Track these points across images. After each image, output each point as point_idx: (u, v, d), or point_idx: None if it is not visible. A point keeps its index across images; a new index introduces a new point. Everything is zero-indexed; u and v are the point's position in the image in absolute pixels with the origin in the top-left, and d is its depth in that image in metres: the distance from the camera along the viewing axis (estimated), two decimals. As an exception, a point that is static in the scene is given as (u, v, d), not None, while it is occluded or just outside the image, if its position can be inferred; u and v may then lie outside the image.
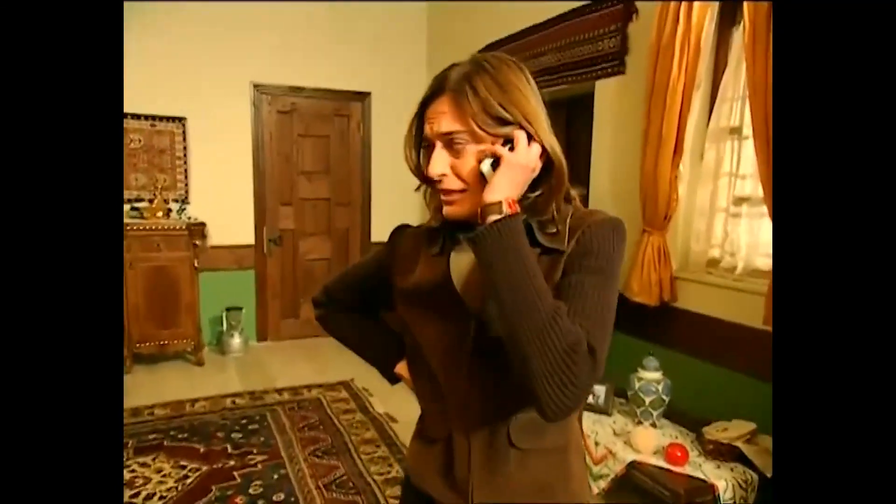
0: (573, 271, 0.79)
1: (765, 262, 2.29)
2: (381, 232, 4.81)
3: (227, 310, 4.45)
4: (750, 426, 2.03)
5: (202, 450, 2.91)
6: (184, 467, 2.73)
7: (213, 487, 2.55)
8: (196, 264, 4.10)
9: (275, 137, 4.65)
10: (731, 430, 2.02)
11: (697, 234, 2.57)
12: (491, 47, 3.84)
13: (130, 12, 3.91)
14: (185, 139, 4.32)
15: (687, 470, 1.93)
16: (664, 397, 2.20)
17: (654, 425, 2.21)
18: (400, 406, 3.32)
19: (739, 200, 2.41)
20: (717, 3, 2.37)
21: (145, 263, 3.95)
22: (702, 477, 1.90)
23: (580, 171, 3.14)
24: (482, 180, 0.80)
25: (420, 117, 0.86)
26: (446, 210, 0.85)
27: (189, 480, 2.61)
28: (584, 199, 2.94)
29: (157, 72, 4.14)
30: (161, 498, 2.46)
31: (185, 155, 4.33)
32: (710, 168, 2.51)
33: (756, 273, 2.31)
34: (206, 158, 4.38)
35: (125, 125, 4.14)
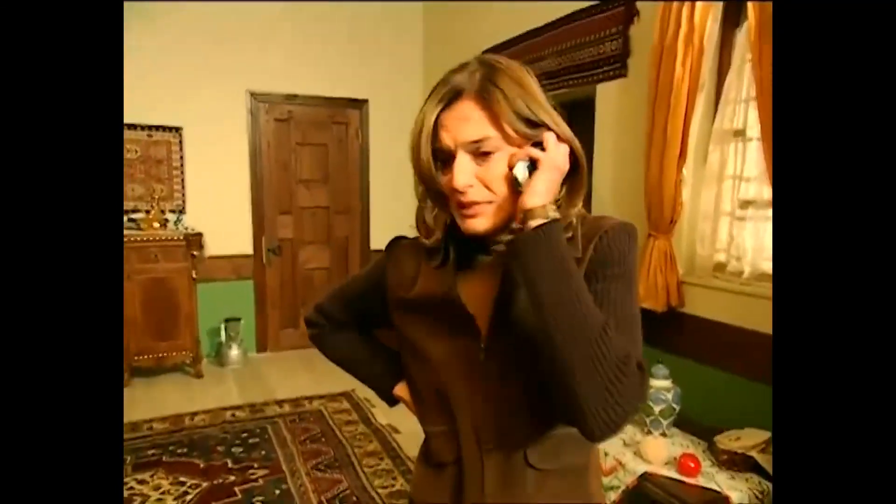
0: (597, 280, 0.75)
1: (771, 265, 2.24)
2: (380, 240, 4.75)
3: (226, 321, 4.40)
4: (764, 435, 1.98)
5: (202, 465, 2.85)
6: (183, 483, 2.67)
7: (214, 504, 2.50)
8: (194, 275, 4.05)
9: (272, 146, 4.61)
10: (745, 439, 1.97)
11: (703, 238, 2.53)
12: (489, 52, 3.79)
13: (128, 23, 3.88)
14: (181, 149, 4.28)
15: (700, 481, 1.87)
16: (674, 406, 2.15)
17: (664, 435, 2.16)
18: (403, 417, 3.22)
19: (745, 204, 2.37)
20: (720, 3, 2.33)
21: (142, 275, 3.90)
22: (716, 488, 1.84)
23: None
24: (514, 187, 0.76)
25: (430, 127, 0.78)
26: (468, 224, 0.78)
27: (189, 497, 2.56)
28: (587, 205, 2.91)
29: (152, 82, 4.10)
30: (160, 516, 2.41)
31: (181, 165, 4.29)
32: (715, 171, 2.47)
33: (763, 277, 2.26)
34: (203, 168, 4.34)
35: (121, 136, 4.10)
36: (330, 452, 3.01)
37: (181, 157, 4.28)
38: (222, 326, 4.40)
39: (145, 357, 3.98)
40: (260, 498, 2.56)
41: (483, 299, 0.81)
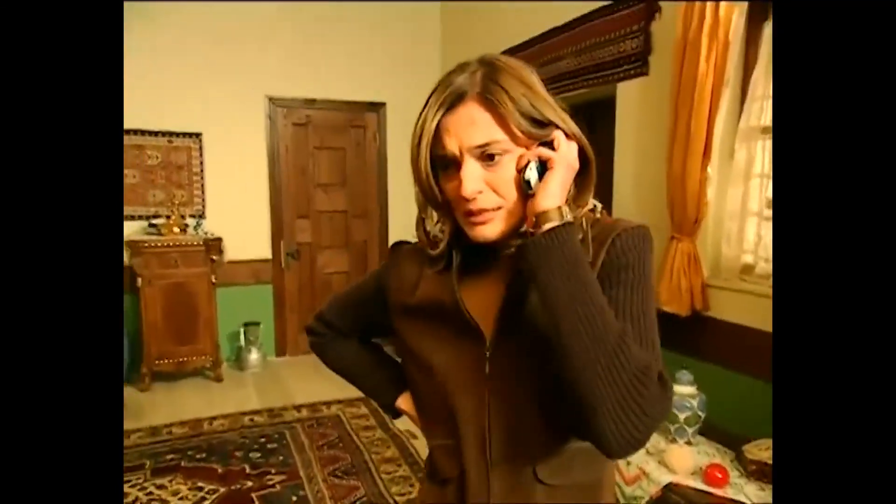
0: (611, 286, 0.70)
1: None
2: (399, 243, 4.74)
3: (245, 325, 4.41)
4: (795, 444, 1.89)
5: (220, 470, 2.84)
6: (201, 489, 2.66)
7: (231, 510, 2.49)
8: (213, 279, 4.06)
9: (291, 150, 4.62)
10: (775, 449, 1.89)
11: (729, 238, 2.45)
12: (508, 53, 3.75)
13: (145, 29, 3.93)
14: (201, 154, 4.31)
15: (728, 492, 1.80)
16: (700, 413, 2.07)
17: (689, 443, 2.09)
18: (421, 422, 3.22)
19: (772, 203, 2.29)
20: (745, 3, 2.26)
21: (163, 280, 3.93)
22: (745, 500, 1.77)
23: (601, 177, 3.03)
24: (524, 191, 0.72)
25: (431, 133, 0.74)
26: (477, 232, 0.75)
27: (206, 503, 2.54)
28: (608, 208, 2.85)
29: (172, 88, 4.14)
30: (177, 522, 2.40)
31: (201, 170, 4.32)
32: (741, 169, 2.38)
33: (794, 279, 2.18)
34: (222, 173, 4.36)
35: (143, 142, 4.15)
36: (347, 458, 2.98)
37: (201, 163, 4.32)
38: (241, 331, 4.41)
39: (166, 361, 4.00)
40: (277, 504, 2.54)
41: (488, 305, 0.77)
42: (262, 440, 3.19)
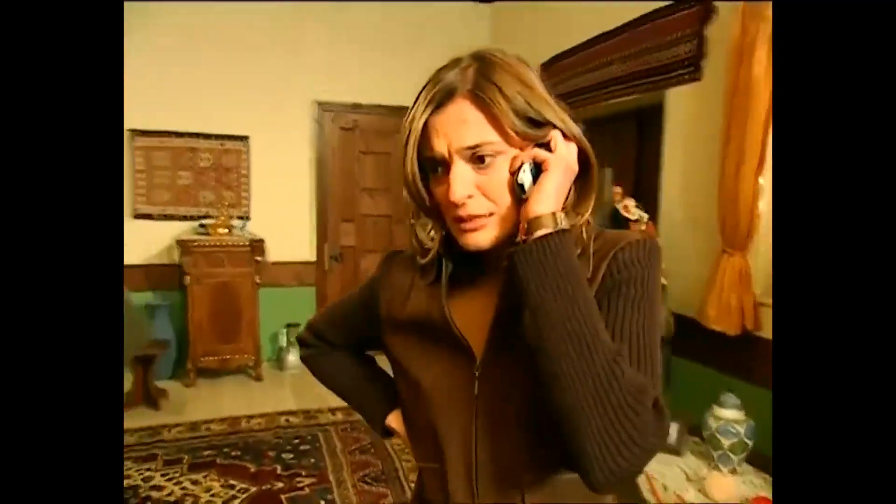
0: (611, 303, 0.64)
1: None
2: (441, 250, 4.71)
3: (287, 326, 4.47)
4: (852, 481, 1.73)
5: (252, 469, 2.87)
6: (232, 487, 2.69)
7: (259, 511, 2.50)
8: (257, 280, 4.14)
9: (337, 154, 4.67)
10: (829, 484, 1.74)
11: (785, 255, 2.29)
12: (556, 59, 3.68)
13: (197, 38, 4.06)
14: (248, 157, 4.41)
15: (775, 529, 1.66)
16: (747, 441, 1.93)
17: (734, 472, 1.95)
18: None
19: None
20: None
21: (210, 279, 4.03)
22: (793, 538, 1.63)
23: (648, 187, 2.91)
24: (517, 195, 0.67)
25: (418, 133, 0.70)
26: (468, 239, 0.69)
27: (237, 502, 2.56)
28: (653, 219, 2.72)
29: (223, 92, 4.27)
30: (207, 519, 2.43)
31: (248, 173, 4.42)
32: (800, 181, 2.23)
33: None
34: (268, 175, 4.45)
35: (197, 145, 4.29)
36: (378, 465, 2.95)
37: (248, 165, 4.41)
38: (283, 331, 4.47)
39: (210, 359, 4.09)
40: (305, 507, 2.53)
41: (480, 320, 0.71)
42: (296, 441, 3.20)
